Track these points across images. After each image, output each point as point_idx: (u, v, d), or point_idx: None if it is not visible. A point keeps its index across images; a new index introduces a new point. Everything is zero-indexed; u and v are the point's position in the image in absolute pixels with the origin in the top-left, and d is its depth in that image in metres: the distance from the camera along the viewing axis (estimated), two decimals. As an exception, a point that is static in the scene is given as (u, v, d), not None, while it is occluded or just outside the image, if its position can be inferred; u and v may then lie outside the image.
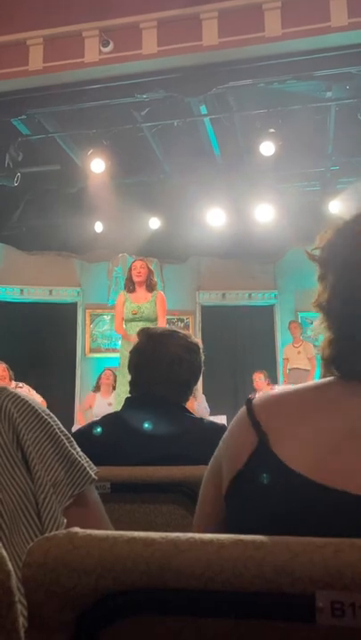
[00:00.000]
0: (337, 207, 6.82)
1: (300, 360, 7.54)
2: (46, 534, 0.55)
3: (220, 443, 0.79)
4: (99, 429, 1.36)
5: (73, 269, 8.85)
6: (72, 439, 0.88)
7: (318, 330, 0.78)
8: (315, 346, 7.68)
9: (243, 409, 0.76)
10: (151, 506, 1.45)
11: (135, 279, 5.33)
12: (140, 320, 5.15)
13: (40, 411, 0.85)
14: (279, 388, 0.81)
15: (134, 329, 5.12)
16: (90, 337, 8.75)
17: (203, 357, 1.74)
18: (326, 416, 0.68)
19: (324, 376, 0.77)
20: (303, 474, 0.63)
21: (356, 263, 0.75)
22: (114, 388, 6.30)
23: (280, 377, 7.63)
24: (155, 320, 5.24)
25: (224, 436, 0.79)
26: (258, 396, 0.77)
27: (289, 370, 7.58)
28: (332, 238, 0.80)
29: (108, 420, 1.65)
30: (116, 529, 0.97)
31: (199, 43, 5.02)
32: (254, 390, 7.06)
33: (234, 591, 0.47)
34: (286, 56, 5.05)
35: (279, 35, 4.93)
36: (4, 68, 5.35)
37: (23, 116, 5.79)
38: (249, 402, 0.76)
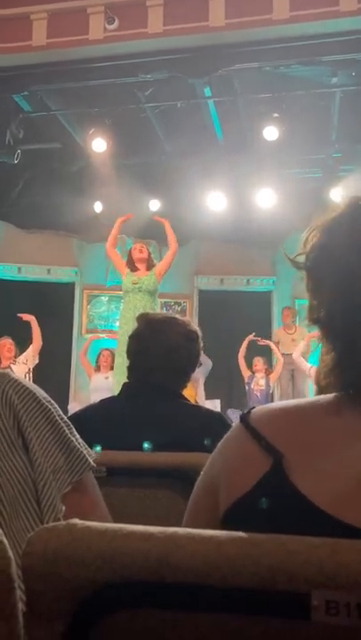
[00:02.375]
0: (338, 194, 6.79)
1: (292, 346, 7.47)
2: (46, 525, 0.56)
3: (215, 457, 0.72)
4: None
5: (71, 249, 8.81)
6: (71, 426, 0.89)
7: (322, 352, 0.69)
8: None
9: (240, 424, 0.69)
10: (147, 491, 1.47)
11: (137, 256, 5.41)
12: (139, 291, 5.23)
13: (41, 397, 0.86)
14: (279, 403, 0.74)
15: (133, 302, 5.19)
16: (87, 317, 8.75)
17: (201, 345, 1.75)
18: (347, 448, 0.62)
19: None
20: (324, 509, 0.58)
21: (355, 271, 0.65)
22: (112, 368, 6.34)
23: (273, 359, 7.55)
24: (154, 293, 5.32)
25: (219, 449, 0.72)
26: (256, 412, 0.70)
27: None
28: (322, 241, 0.70)
29: (104, 405, 1.66)
30: (111, 513, 0.98)
31: (205, 23, 4.95)
32: (252, 373, 7.07)
33: (230, 587, 0.48)
34: (293, 40, 4.99)
35: (287, 17, 4.86)
36: (7, 42, 5.27)
37: (25, 93, 5.72)
38: (246, 416, 0.69)
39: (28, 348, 5.97)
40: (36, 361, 5.98)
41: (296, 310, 7.79)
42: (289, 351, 7.42)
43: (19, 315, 6.15)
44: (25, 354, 5.94)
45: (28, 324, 6.12)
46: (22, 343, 6.07)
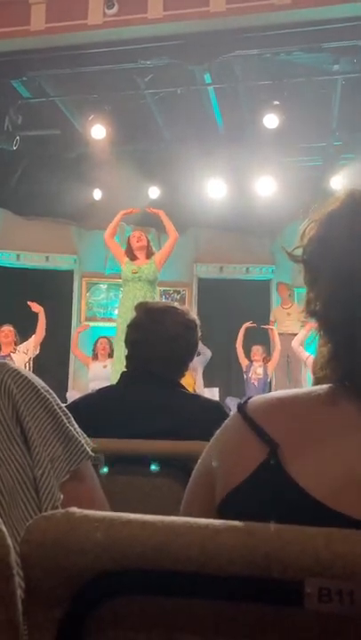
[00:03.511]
0: (339, 183, 6.76)
1: (289, 323, 7.40)
2: (44, 514, 0.56)
3: (212, 446, 0.72)
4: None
5: (70, 236, 8.79)
6: (70, 415, 0.90)
7: (319, 343, 0.70)
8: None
9: (236, 414, 0.70)
10: (144, 479, 1.48)
11: (135, 244, 5.39)
12: (139, 280, 5.23)
13: (39, 387, 0.86)
14: (276, 393, 0.74)
15: (133, 291, 5.19)
16: (86, 305, 8.74)
17: (200, 334, 1.75)
18: (343, 439, 0.63)
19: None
20: (319, 499, 0.59)
21: (355, 263, 0.65)
22: (110, 356, 6.35)
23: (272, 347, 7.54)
24: (154, 281, 5.32)
25: (216, 438, 0.72)
26: (253, 401, 0.70)
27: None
28: (319, 233, 0.70)
29: (103, 394, 1.67)
30: (109, 500, 0.99)
31: (206, 9, 4.90)
32: (250, 362, 7.08)
33: (226, 575, 0.48)
34: (295, 26, 4.94)
35: (289, 3, 4.82)
36: (5, 27, 5.22)
37: (24, 78, 5.68)
38: (243, 406, 0.70)
39: (30, 338, 5.96)
40: (37, 352, 5.97)
41: (289, 285, 7.78)
42: (285, 328, 7.35)
43: (29, 303, 6.12)
44: (26, 343, 5.93)
45: (28, 311, 6.12)
46: (22, 332, 6.07)
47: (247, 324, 7.08)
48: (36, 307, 6.08)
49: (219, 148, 6.82)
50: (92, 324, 8.65)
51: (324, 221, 0.70)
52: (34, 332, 6.01)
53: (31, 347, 5.89)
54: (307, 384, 7.30)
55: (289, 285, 7.74)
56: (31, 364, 5.93)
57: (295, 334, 7.17)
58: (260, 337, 7.58)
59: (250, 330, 7.20)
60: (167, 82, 5.76)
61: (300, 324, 7.31)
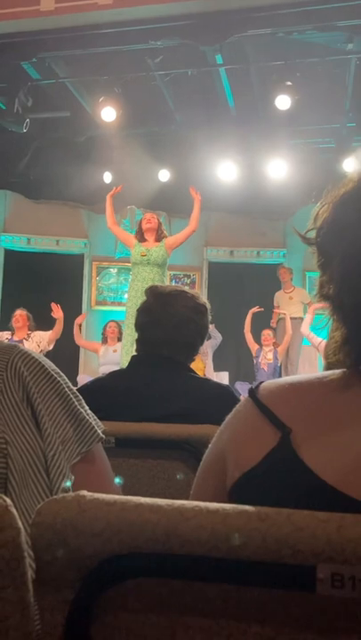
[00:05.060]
0: (351, 165, 6.68)
1: (291, 307, 7.39)
2: (55, 496, 0.56)
3: (223, 430, 0.72)
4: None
5: (80, 220, 8.77)
6: (80, 398, 0.90)
7: (331, 328, 0.69)
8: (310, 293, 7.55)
9: (248, 399, 0.70)
10: (154, 462, 1.48)
11: (145, 226, 5.36)
12: (147, 264, 5.20)
13: (50, 369, 0.86)
14: (287, 378, 0.74)
15: (142, 274, 5.17)
16: (96, 289, 8.75)
17: (210, 318, 1.75)
18: (355, 424, 0.63)
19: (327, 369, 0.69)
20: (331, 484, 0.58)
21: None
22: (119, 340, 6.36)
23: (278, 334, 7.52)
24: (163, 265, 5.29)
25: (227, 423, 0.72)
26: (265, 386, 0.70)
27: (279, 318, 7.47)
28: (332, 216, 0.69)
29: (113, 377, 1.67)
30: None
31: (218, -13, 4.82)
32: (260, 346, 7.07)
33: (237, 559, 0.48)
34: (308, 4, 4.84)
35: (302, -20, 4.72)
36: (15, 7, 5.16)
37: (33, 60, 5.62)
38: (255, 391, 0.70)
39: (47, 332, 5.96)
40: (49, 348, 5.95)
41: (289, 269, 7.74)
42: (288, 312, 7.34)
43: (52, 305, 6.09)
44: (41, 334, 5.91)
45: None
46: (33, 316, 6.07)
47: (254, 310, 7.06)
48: (57, 312, 6.03)
49: (230, 129, 6.75)
50: (102, 307, 8.67)
51: (338, 203, 0.69)
52: (49, 327, 5.99)
53: (45, 342, 5.88)
54: (298, 363, 7.31)
55: (290, 269, 7.70)
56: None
57: (298, 317, 7.15)
58: (268, 322, 7.56)
59: (261, 314, 7.19)
60: (178, 63, 5.69)
61: (304, 307, 7.30)
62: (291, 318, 7.20)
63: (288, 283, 7.63)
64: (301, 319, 7.12)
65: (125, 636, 0.52)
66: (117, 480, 0.93)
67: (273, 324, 7.43)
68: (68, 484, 0.80)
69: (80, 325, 7.07)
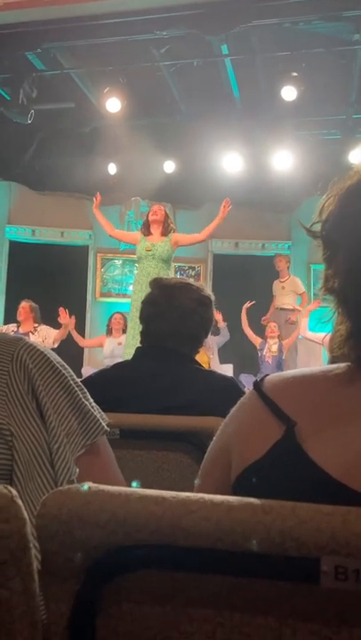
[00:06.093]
0: (357, 157, 6.64)
1: (283, 297, 7.27)
2: (60, 488, 0.57)
3: (228, 423, 0.72)
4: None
5: (85, 212, 8.74)
6: (85, 390, 0.90)
7: (336, 322, 0.69)
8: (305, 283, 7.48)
9: (253, 391, 0.70)
10: (158, 453, 1.49)
11: (151, 217, 5.33)
12: (153, 258, 5.17)
13: (55, 362, 0.87)
14: (292, 371, 0.73)
15: (147, 269, 5.15)
16: (101, 281, 8.75)
17: (214, 310, 1.75)
18: (359, 417, 0.63)
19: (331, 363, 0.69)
20: (336, 477, 0.59)
21: None
22: (124, 332, 6.35)
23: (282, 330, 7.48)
24: (168, 260, 5.27)
25: (232, 415, 0.72)
26: (270, 379, 0.70)
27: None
28: (338, 209, 0.68)
29: (118, 369, 1.68)
30: (124, 474, 1.00)
31: (224, -24, 4.78)
32: (265, 338, 7.05)
33: (241, 551, 0.48)
34: (315, -7, 4.81)
35: (309, -31, 4.68)
36: (19, -3, 5.14)
37: (38, 50, 5.60)
38: (259, 384, 0.70)
39: (55, 331, 5.93)
40: (54, 346, 5.91)
41: (289, 257, 7.66)
42: (280, 304, 7.29)
43: (60, 308, 6.00)
44: (48, 332, 5.90)
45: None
46: (39, 308, 6.07)
47: (247, 305, 7.03)
48: (64, 317, 5.95)
49: (235, 120, 6.72)
50: (106, 299, 8.66)
51: (343, 196, 0.69)
52: (52, 319, 5.97)
53: (50, 339, 5.86)
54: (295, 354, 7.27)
55: (286, 257, 7.59)
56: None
57: (289, 309, 7.08)
58: (277, 314, 7.53)
59: (261, 306, 7.15)
60: (183, 53, 5.66)
61: (297, 298, 7.20)
62: (281, 309, 7.15)
63: (284, 271, 7.49)
64: (291, 310, 7.07)
65: (130, 627, 0.52)
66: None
67: (264, 322, 7.28)
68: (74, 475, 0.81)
69: (75, 329, 6.72)
